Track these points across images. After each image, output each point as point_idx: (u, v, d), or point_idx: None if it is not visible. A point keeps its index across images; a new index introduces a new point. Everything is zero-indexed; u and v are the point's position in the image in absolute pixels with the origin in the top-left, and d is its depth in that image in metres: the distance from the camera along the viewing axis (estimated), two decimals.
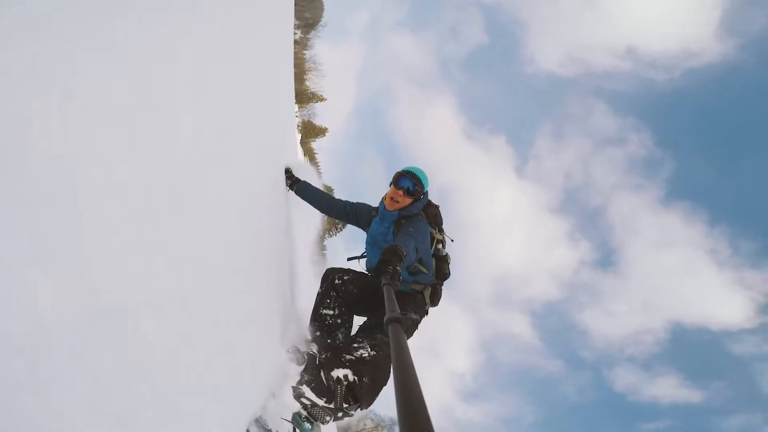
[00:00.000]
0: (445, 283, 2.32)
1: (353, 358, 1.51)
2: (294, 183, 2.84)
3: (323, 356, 1.67)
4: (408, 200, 2.19)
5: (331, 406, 1.40)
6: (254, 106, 3.13)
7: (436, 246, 2.27)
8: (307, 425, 1.32)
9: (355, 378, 1.44)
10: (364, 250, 2.42)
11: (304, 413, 1.35)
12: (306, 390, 1.40)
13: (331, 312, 2.11)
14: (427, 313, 2.22)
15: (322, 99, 55.92)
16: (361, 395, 1.43)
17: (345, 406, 1.42)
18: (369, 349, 1.55)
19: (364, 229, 2.49)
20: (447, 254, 2.32)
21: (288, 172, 2.90)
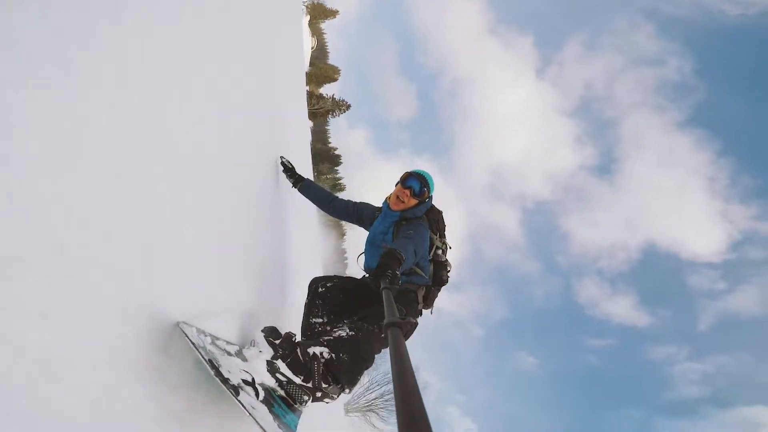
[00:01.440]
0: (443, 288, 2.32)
1: (331, 338, 1.47)
2: (297, 181, 2.84)
3: (301, 338, 1.66)
4: (413, 201, 2.20)
5: (309, 385, 1.32)
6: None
7: (435, 251, 2.27)
8: (280, 410, 1.23)
9: (333, 355, 1.38)
10: (363, 249, 2.41)
11: (280, 391, 1.28)
12: (281, 365, 1.32)
13: (320, 320, 2.04)
14: (420, 314, 2.22)
15: None
16: (339, 372, 1.37)
17: (324, 386, 1.34)
18: (348, 330, 1.51)
19: (366, 229, 2.49)
20: (446, 261, 2.32)
21: (289, 170, 2.91)
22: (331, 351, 1.39)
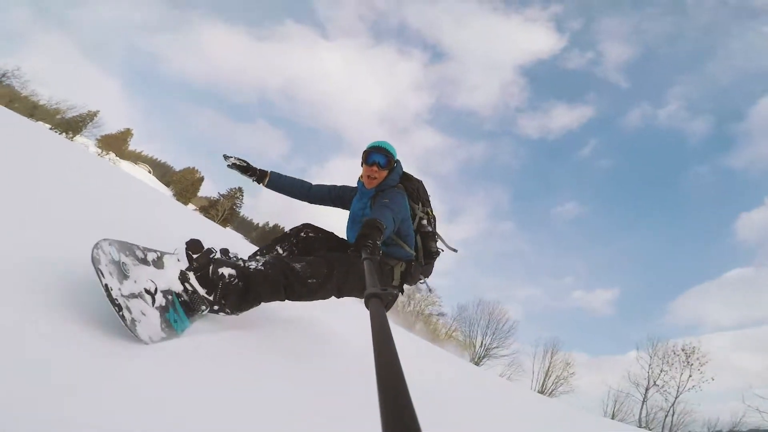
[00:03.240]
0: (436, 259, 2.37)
1: (242, 264, 1.60)
2: (261, 176, 2.36)
3: (219, 255, 1.66)
4: (384, 173, 2.21)
5: (210, 298, 1.49)
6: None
7: (419, 221, 2.26)
8: (175, 314, 1.35)
9: (234, 280, 1.53)
10: (345, 231, 2.41)
11: (185, 297, 1.43)
12: (191, 276, 1.47)
13: (283, 253, 2.16)
14: (401, 290, 2.23)
15: (94, 114, 46.27)
16: (228, 293, 1.52)
17: (221, 302, 1.51)
18: (259, 265, 1.63)
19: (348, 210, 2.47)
20: (435, 232, 2.31)
21: (244, 167, 2.33)
22: (236, 276, 1.54)
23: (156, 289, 1.30)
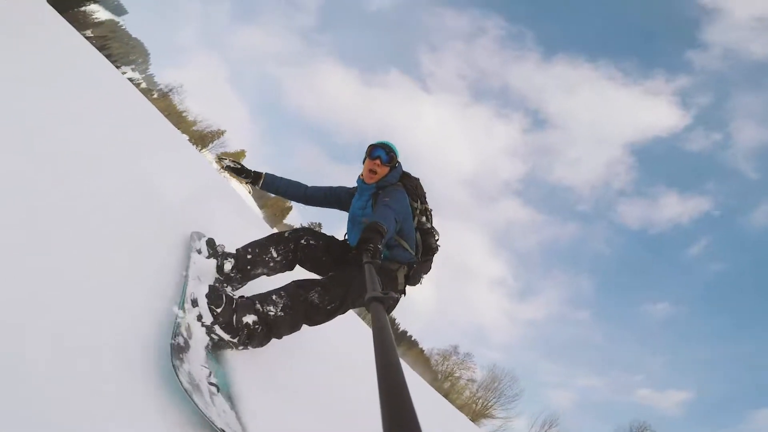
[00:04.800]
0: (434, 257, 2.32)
1: (262, 310, 1.68)
2: (255, 178, 2.39)
3: (238, 298, 1.72)
4: (385, 169, 2.22)
5: (235, 340, 1.61)
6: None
7: (419, 218, 2.24)
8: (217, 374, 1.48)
9: (257, 326, 1.65)
10: (345, 232, 2.39)
11: (211, 344, 1.55)
12: (217, 329, 1.57)
13: (276, 257, 2.07)
14: (403, 293, 2.20)
15: (221, 133, 53.65)
16: (252, 337, 1.65)
17: (247, 342, 1.65)
18: (278, 310, 1.70)
19: (347, 210, 2.42)
20: (433, 228, 2.31)
21: (239, 170, 2.38)
22: (258, 322, 1.65)
23: (210, 373, 1.38)
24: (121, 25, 47.53)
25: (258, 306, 1.68)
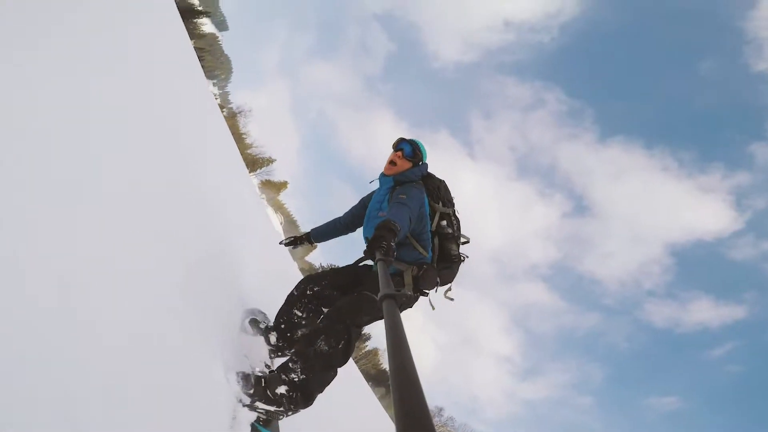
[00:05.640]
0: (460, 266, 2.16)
1: (288, 379, 1.75)
2: (306, 238, 2.61)
3: (268, 373, 1.84)
4: (407, 164, 2.16)
5: (282, 409, 1.71)
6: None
7: (439, 222, 2.10)
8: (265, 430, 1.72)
9: (294, 393, 1.73)
10: (363, 229, 2.33)
11: (264, 416, 1.71)
12: (258, 404, 1.70)
13: (301, 314, 2.17)
14: (422, 294, 2.06)
15: (271, 161, 56.57)
16: (294, 403, 1.73)
17: (293, 407, 1.73)
18: (300, 374, 1.75)
19: None
20: (457, 234, 2.16)
21: (293, 242, 2.64)
22: (290, 390, 1.73)
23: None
24: (219, 41, 52.26)
25: (283, 377, 1.75)
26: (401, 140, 2.22)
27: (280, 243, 2.68)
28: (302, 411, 1.80)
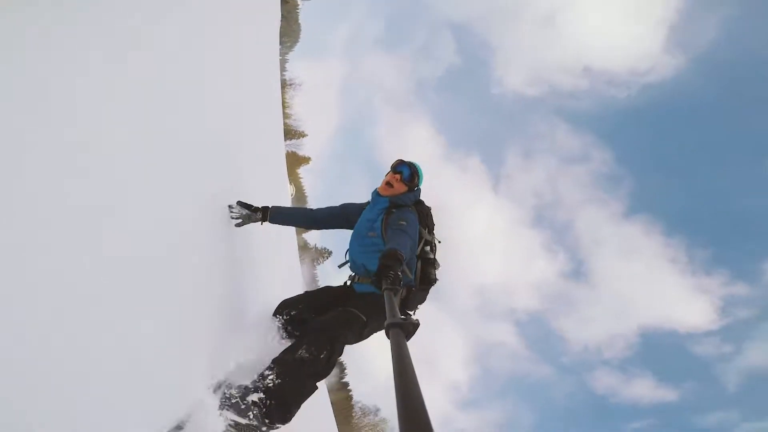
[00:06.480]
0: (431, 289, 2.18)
1: (262, 386, 1.63)
2: (264, 213, 2.46)
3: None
4: (403, 187, 2.18)
5: (255, 423, 1.54)
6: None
7: (422, 247, 2.15)
8: None
9: (268, 401, 1.58)
10: (348, 246, 2.29)
11: (232, 430, 1.52)
12: (227, 413, 1.54)
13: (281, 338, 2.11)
14: (419, 325, 2.06)
15: (303, 135, 56.71)
16: (269, 413, 1.57)
17: (267, 422, 1.57)
18: (275, 378, 1.65)
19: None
20: (435, 259, 2.20)
21: (245, 208, 2.47)
22: (264, 398, 1.59)
23: None
24: (298, 8, 51.68)
25: (258, 383, 1.65)
26: (401, 162, 2.24)
27: (231, 208, 2.50)
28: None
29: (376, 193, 2.24)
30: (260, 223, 2.49)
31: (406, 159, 2.26)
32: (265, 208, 2.47)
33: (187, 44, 3.06)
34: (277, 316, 2.14)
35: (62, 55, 1.38)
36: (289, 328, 2.09)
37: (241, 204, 2.49)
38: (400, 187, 2.18)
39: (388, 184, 2.19)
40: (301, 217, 2.53)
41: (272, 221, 2.48)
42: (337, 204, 2.50)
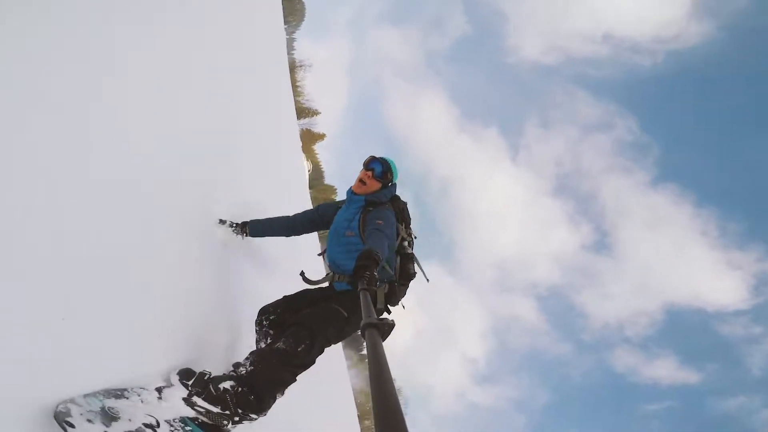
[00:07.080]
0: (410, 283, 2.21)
1: (235, 374, 1.60)
2: (242, 229, 2.55)
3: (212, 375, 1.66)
4: (376, 184, 2.17)
5: (227, 412, 1.48)
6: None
7: (400, 243, 2.16)
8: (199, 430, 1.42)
9: (240, 388, 1.53)
10: (327, 245, 2.27)
11: (203, 418, 1.45)
12: (197, 399, 1.47)
13: (263, 341, 2.11)
14: (383, 312, 2.10)
15: (316, 113, 56.32)
16: (240, 401, 1.51)
17: (240, 411, 1.50)
18: (248, 366, 1.63)
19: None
20: (413, 253, 2.21)
21: (232, 226, 2.57)
22: (236, 385, 1.53)
23: (158, 422, 1.31)
24: None
25: (232, 371, 1.63)
26: (372, 159, 2.22)
27: (225, 224, 2.60)
28: (256, 421, 1.59)
29: (351, 192, 2.22)
30: (242, 237, 2.56)
31: (377, 155, 2.25)
32: (243, 224, 2.56)
33: (190, 31, 3.13)
34: (259, 323, 2.15)
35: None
36: (271, 332, 2.08)
37: (221, 222, 2.58)
38: (373, 184, 2.17)
39: (361, 181, 2.18)
40: (279, 227, 2.55)
41: (252, 235, 2.55)
42: (312, 208, 2.53)
